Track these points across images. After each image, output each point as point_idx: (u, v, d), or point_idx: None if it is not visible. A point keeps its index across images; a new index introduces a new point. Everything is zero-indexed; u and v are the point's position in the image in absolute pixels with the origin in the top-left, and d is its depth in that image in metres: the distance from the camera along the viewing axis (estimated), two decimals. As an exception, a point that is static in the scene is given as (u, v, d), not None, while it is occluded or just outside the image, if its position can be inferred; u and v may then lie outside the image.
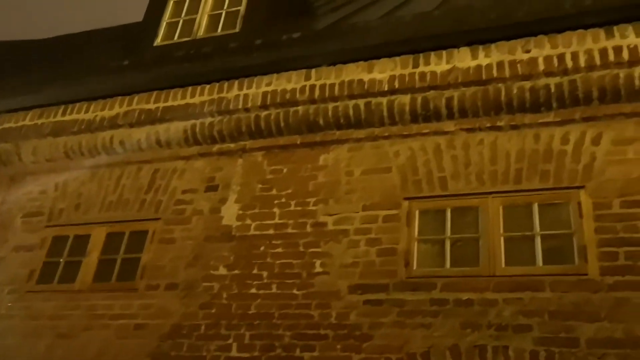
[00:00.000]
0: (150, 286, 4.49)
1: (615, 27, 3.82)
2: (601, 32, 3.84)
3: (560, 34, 3.94)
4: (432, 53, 4.22)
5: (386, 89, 4.27)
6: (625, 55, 3.73)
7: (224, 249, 4.42)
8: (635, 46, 3.72)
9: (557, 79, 3.88)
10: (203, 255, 4.45)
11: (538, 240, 3.71)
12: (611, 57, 3.76)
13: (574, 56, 3.85)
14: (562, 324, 3.39)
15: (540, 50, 3.95)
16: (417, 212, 4.06)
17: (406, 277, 3.85)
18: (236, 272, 4.29)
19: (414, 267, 3.89)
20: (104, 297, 4.58)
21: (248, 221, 4.45)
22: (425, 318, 3.66)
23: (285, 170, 4.53)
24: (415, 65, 4.24)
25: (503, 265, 3.69)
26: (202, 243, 4.50)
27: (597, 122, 3.82)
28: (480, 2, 4.68)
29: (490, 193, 3.91)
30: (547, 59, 3.90)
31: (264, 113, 4.62)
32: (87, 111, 5.24)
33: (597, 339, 3.30)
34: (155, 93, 5.02)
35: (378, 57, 4.37)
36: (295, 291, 4.06)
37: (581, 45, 3.86)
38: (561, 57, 3.87)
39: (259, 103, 4.62)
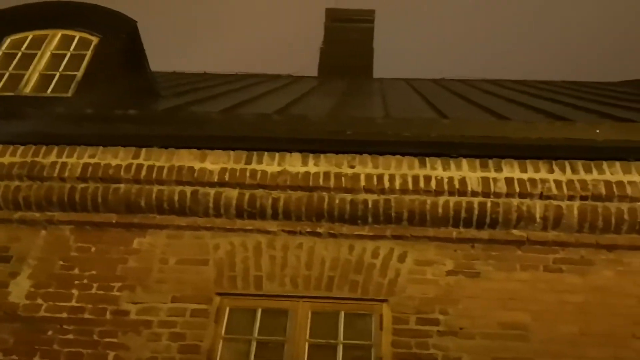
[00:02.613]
0: None
1: (427, 159, 4.26)
2: (415, 161, 4.25)
3: (381, 156, 4.28)
4: (266, 153, 4.33)
5: (216, 180, 4.24)
6: (433, 184, 4.14)
7: (4, 330, 3.87)
8: (442, 178, 4.16)
9: (374, 196, 4.16)
10: (-24, 335, 3.84)
11: (340, 349, 3.77)
12: (422, 184, 4.15)
13: (391, 178, 4.19)
14: None
15: (363, 167, 4.24)
16: (227, 309, 3.95)
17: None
18: (13, 358, 3.75)
19: (216, 368, 3.71)
20: None
21: (39, 301, 3.97)
22: None
23: (93, 249, 4.18)
24: (248, 162, 4.31)
25: (305, 372, 3.67)
26: (-21, 321, 3.90)
27: (404, 241, 4.12)
28: (316, 116, 4.96)
29: (302, 297, 3.95)
30: (368, 177, 4.20)
31: (81, 185, 4.30)
32: None
33: None
34: (-45, 147, 4.47)
35: (212, 148, 4.38)
36: (79, 386, 3.63)
37: (398, 170, 4.22)
38: (380, 177, 4.19)
39: (77, 174, 4.31)
